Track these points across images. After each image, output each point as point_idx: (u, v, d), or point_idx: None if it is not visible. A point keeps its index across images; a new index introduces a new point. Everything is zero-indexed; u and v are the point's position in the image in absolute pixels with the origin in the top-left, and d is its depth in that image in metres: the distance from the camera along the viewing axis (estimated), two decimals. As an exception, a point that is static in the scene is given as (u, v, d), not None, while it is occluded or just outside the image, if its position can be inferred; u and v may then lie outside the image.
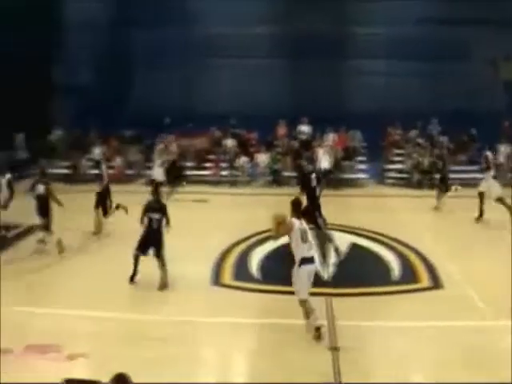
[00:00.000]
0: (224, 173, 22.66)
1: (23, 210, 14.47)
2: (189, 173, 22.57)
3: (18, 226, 15.12)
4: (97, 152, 22.52)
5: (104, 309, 10.27)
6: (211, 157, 23.49)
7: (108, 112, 23.57)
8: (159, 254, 11.36)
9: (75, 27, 25.52)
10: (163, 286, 11.28)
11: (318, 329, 9.14)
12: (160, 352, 8.71)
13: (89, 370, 8.05)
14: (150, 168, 21.75)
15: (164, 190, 16.78)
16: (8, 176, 14.23)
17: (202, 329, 9.74)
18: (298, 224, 9.30)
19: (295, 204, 9.72)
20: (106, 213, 15.10)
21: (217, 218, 16.44)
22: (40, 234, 13.52)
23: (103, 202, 15.14)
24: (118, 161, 22.73)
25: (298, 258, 9.16)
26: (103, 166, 15.96)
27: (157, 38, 24.44)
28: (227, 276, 12.18)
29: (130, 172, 22.88)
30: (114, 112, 23.89)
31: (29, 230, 14.81)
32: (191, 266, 12.30)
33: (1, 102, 21.13)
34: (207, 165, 23.27)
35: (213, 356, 9.18)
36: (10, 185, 14.10)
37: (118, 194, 16.04)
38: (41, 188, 13.28)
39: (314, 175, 14.07)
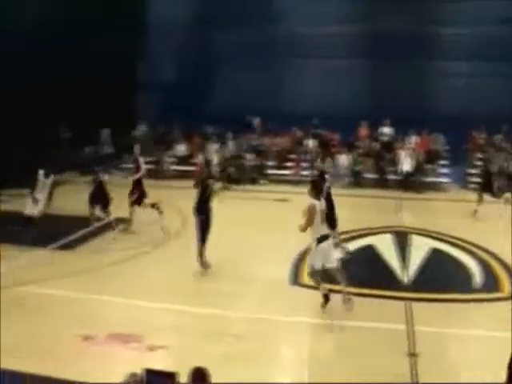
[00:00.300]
0: (305, 173, 22.61)
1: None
2: (270, 172, 22.66)
3: (101, 219, 15.61)
4: (180, 149, 22.92)
5: (183, 302, 10.47)
6: (292, 156, 23.50)
7: (191, 109, 23.98)
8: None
9: (160, 25, 26.01)
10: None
11: (326, 296, 10.17)
12: (236, 348, 8.82)
13: (167, 362, 8.18)
14: (231, 166, 22.01)
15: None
16: (52, 177, 15.28)
17: (278, 327, 9.77)
18: (318, 205, 10.20)
19: (315, 185, 10.66)
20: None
21: (297, 217, 16.35)
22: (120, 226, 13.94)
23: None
24: (200, 158, 22.99)
25: (315, 236, 10.06)
26: (140, 159, 16.17)
27: (239, 37, 24.54)
28: (306, 276, 12.13)
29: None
30: (196, 109, 24.26)
31: (112, 223, 15.31)
32: (271, 264, 12.37)
33: (88, 98, 21.90)
34: (288, 164, 23.28)
35: (288, 355, 9.20)
36: (52, 186, 14.79)
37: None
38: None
39: (327, 175, 14.17)
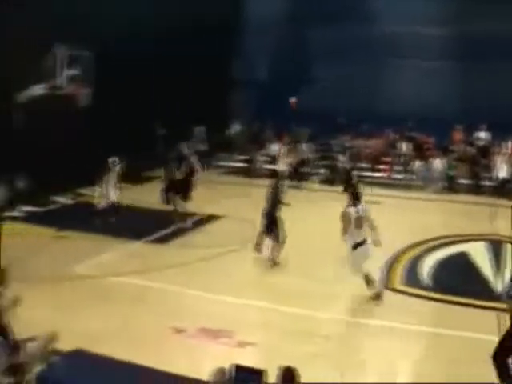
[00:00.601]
0: (397, 176, 22.33)
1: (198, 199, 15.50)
2: (363, 174, 22.52)
3: (194, 214, 16.02)
4: (273, 148, 23.12)
5: (271, 301, 10.60)
6: (385, 159, 23.24)
7: (284, 108, 24.12)
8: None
9: (255, 24, 26.32)
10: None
11: (378, 294, 10.67)
12: (322, 349, 8.85)
13: (255, 359, 8.32)
14: (321, 167, 22.04)
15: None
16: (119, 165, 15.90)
17: (365, 331, 9.76)
18: (353, 212, 10.47)
19: (350, 190, 11.09)
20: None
21: (389, 220, 16.15)
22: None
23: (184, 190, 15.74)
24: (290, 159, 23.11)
25: (351, 243, 10.49)
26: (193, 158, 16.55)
27: (335, 35, 24.46)
28: (397, 280, 12.04)
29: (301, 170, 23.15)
30: (289, 109, 24.38)
31: (206, 219, 15.69)
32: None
33: (183, 96, 22.46)
34: (381, 167, 23.05)
35: (374, 360, 9.13)
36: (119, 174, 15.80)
37: (290, 191, 16.37)
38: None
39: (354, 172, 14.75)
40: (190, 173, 16.05)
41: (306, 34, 25.96)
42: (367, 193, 19.96)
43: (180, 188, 15.70)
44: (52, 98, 16.23)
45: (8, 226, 15.83)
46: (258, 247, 12.93)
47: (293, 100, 23.88)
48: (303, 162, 22.89)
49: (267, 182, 20.18)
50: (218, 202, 17.34)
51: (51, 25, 16.19)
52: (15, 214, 17.01)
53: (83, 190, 18.76)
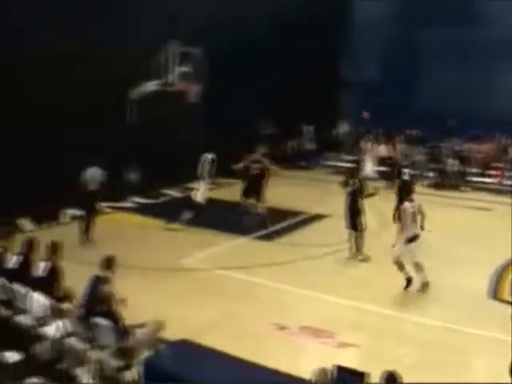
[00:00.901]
0: (509, 182, 21.46)
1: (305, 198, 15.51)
2: (473, 179, 21.84)
3: (301, 213, 16.10)
4: (381, 149, 22.80)
5: (377, 303, 10.48)
6: (497, 164, 22.39)
7: (393, 110, 23.71)
8: None
9: (364, 25, 26.14)
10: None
11: (426, 284, 11.15)
12: (426, 355, 8.66)
13: (356, 361, 8.27)
14: (431, 170, 21.52)
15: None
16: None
17: (467, 339, 9.42)
18: (410, 207, 11.27)
19: (405, 186, 12.20)
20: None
21: (500, 228, 15.60)
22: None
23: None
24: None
25: (407, 236, 11.12)
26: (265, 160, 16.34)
27: (445, 37, 23.92)
28: (506, 291, 11.54)
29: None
30: (399, 110, 23.93)
31: (312, 218, 15.72)
32: (469, 275, 11.97)
33: (292, 95, 22.57)
34: (492, 172, 22.22)
35: (480, 368, 8.83)
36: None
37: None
38: None
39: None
40: (261, 174, 16.05)
41: (417, 35, 25.40)
42: (477, 198, 19.54)
43: (253, 188, 15.87)
44: (164, 94, 16.77)
45: (120, 215, 16.61)
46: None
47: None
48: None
49: (375, 184, 20.21)
50: (324, 201, 17.30)
51: (164, 22, 16.70)
52: (128, 204, 17.74)
53: (191, 184, 19.25)
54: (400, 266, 11.26)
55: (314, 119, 24.17)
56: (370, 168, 20.79)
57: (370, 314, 10.20)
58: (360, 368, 6.14)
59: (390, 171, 20.32)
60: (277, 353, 8.77)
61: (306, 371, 6.57)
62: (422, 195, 18.76)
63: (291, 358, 8.57)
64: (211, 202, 16.34)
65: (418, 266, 11.18)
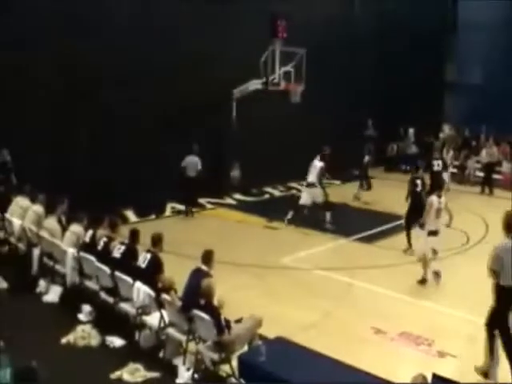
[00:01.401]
0: None
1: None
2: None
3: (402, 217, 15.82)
4: (483, 155, 21.93)
5: (480, 313, 10.07)
6: None
7: (499, 114, 22.88)
8: None
9: (470, 25, 25.35)
10: None
11: (436, 273, 11.31)
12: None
13: (455, 371, 8.02)
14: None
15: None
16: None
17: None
18: (437, 202, 11.29)
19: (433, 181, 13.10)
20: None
21: None
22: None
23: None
24: (505, 166, 21.82)
25: (428, 228, 11.27)
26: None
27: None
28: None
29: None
30: (506, 114, 23.05)
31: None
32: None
33: (395, 97, 22.25)
34: None
35: None
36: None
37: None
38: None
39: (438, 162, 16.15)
40: None
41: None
42: None
43: None
44: (267, 93, 16.93)
45: (222, 211, 16.91)
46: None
47: None
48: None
49: (477, 189, 19.60)
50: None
51: (267, 22, 16.84)
52: (230, 201, 18.04)
53: (293, 183, 19.40)
54: (424, 264, 11.39)
55: (417, 122, 23.68)
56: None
57: (473, 324, 9.84)
58: (458, 378, 5.98)
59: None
60: (373, 356, 8.65)
61: (402, 377, 6.45)
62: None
63: (388, 362, 8.45)
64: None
65: (425, 260, 11.36)
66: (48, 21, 13.92)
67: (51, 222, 10.73)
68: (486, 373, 7.95)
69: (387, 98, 22.50)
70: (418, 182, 13.70)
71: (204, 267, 8.05)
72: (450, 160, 21.00)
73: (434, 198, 11.43)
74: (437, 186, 12.79)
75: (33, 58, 13.60)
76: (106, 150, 15.05)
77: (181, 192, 16.00)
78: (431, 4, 24.86)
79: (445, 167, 17.05)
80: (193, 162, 16.09)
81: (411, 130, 24.32)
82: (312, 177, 15.52)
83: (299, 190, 16.99)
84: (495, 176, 20.99)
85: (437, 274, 11.36)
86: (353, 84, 21.21)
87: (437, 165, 16.11)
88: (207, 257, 8.12)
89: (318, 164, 15.55)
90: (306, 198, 15.57)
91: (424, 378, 5.89)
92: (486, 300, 10.55)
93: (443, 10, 26.46)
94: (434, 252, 11.46)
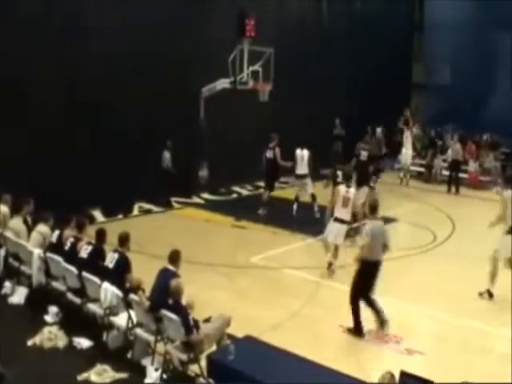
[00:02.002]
0: None
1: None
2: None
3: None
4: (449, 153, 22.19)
5: (447, 311, 10.22)
6: None
7: (466, 113, 23.19)
8: None
9: (437, 25, 25.67)
10: None
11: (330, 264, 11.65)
12: (498, 367, 8.35)
13: (423, 368, 8.08)
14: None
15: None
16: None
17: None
18: (344, 191, 11.56)
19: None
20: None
21: None
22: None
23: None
24: (471, 165, 22.11)
25: (333, 216, 11.59)
26: None
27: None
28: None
29: (484, 178, 22.01)
30: (472, 114, 23.38)
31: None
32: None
33: (363, 97, 22.42)
34: None
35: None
36: None
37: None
38: None
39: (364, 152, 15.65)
40: None
41: (493, 38, 24.58)
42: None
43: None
44: (234, 92, 16.91)
45: (190, 211, 16.85)
46: None
47: None
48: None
49: (444, 188, 19.80)
50: (393, 205, 17.08)
51: (234, 21, 16.80)
52: (198, 200, 17.98)
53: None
54: (324, 247, 11.90)
55: (385, 122, 23.86)
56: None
57: (441, 322, 10.00)
58: (426, 376, 6.02)
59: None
60: (343, 355, 8.75)
61: (371, 375, 6.50)
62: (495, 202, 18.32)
63: (357, 360, 8.52)
64: (280, 200, 16.53)
65: (326, 244, 11.82)
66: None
67: (17, 223, 10.58)
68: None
69: (356, 98, 22.63)
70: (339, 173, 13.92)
71: (171, 267, 8.01)
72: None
73: (341, 187, 11.71)
74: (363, 175, 13.30)
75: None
76: (72, 149, 14.85)
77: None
78: (399, 4, 25.14)
79: (371, 158, 16.99)
80: (165, 157, 17.00)
81: (379, 130, 24.48)
82: (303, 168, 15.77)
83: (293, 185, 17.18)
84: (461, 175, 21.23)
85: (330, 265, 11.71)
86: (322, 83, 21.28)
87: (363, 155, 16.32)
88: (174, 257, 8.08)
89: (305, 153, 15.82)
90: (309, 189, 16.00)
91: (392, 375, 5.95)
92: (453, 298, 10.79)
93: (410, 10, 26.75)
94: (336, 248, 11.71)
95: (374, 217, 9.44)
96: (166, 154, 17.01)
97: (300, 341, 8.65)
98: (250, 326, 8.71)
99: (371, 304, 9.24)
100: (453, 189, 20.43)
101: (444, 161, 22.20)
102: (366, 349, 8.97)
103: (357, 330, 9.22)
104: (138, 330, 7.99)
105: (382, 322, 9.24)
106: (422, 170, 22.79)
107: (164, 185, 16.73)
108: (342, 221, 11.67)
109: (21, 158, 13.82)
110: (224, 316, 7.91)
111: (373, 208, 9.48)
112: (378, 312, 9.24)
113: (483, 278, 11.32)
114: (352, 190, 11.71)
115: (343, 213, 11.59)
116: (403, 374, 6.06)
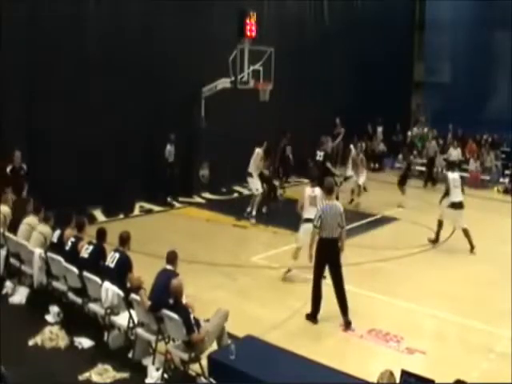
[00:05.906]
0: None
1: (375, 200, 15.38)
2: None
3: (373, 215, 16.21)
4: (453, 153, 22.21)
5: (448, 310, 10.23)
6: None
7: (467, 112, 23.19)
8: None
9: (438, 25, 25.79)
10: None
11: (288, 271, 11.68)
12: (498, 367, 8.38)
13: (424, 367, 8.08)
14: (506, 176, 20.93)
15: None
16: None
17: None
18: (310, 191, 11.70)
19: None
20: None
21: None
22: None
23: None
24: (472, 165, 22.12)
25: (304, 217, 11.52)
26: None
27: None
28: None
29: (484, 177, 22.03)
30: (473, 113, 23.39)
31: (382, 220, 15.87)
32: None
33: (365, 95, 22.41)
34: None
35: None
36: None
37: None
38: None
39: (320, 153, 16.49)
40: None
41: (493, 38, 24.64)
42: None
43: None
44: (235, 92, 16.91)
45: (191, 211, 16.85)
46: None
47: None
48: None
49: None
50: (393, 204, 17.12)
51: (234, 21, 16.80)
52: (198, 200, 17.98)
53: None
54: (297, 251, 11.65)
55: (386, 121, 23.90)
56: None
57: (442, 321, 9.99)
58: (427, 375, 6.02)
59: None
60: (343, 354, 8.75)
61: (371, 374, 6.49)
62: (495, 201, 18.45)
63: (358, 359, 8.54)
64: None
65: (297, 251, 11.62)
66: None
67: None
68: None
69: (356, 97, 22.64)
70: None
71: (169, 267, 8.03)
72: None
73: (306, 188, 11.97)
74: (322, 173, 13.98)
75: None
76: (74, 149, 14.85)
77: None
78: (399, 3, 25.13)
79: (328, 157, 17.18)
80: (169, 150, 16.89)
81: (380, 129, 24.51)
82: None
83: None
84: (462, 174, 21.20)
85: (288, 271, 11.71)
86: (323, 83, 21.30)
87: (319, 155, 16.53)
88: (171, 257, 8.13)
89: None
90: None
91: (391, 374, 5.95)
92: (454, 297, 10.78)
93: (411, 9, 26.76)
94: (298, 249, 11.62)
95: (330, 198, 9.98)
96: (170, 148, 16.82)
97: (301, 340, 8.66)
98: (250, 325, 8.71)
99: (316, 287, 9.69)
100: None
101: (445, 160, 22.21)
102: (366, 348, 8.97)
103: (312, 315, 9.66)
104: (139, 330, 7.98)
105: (315, 310, 9.66)
106: (422, 169, 22.77)
107: (166, 180, 16.73)
108: (310, 220, 11.47)
109: (23, 157, 13.82)
110: (221, 310, 7.92)
111: (329, 190, 10.04)
112: (315, 298, 9.67)
113: (483, 277, 11.37)
114: (317, 189, 11.76)
115: (311, 212, 11.30)
116: (404, 373, 6.06)
